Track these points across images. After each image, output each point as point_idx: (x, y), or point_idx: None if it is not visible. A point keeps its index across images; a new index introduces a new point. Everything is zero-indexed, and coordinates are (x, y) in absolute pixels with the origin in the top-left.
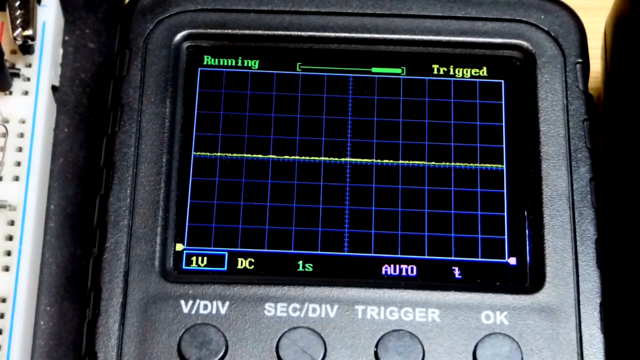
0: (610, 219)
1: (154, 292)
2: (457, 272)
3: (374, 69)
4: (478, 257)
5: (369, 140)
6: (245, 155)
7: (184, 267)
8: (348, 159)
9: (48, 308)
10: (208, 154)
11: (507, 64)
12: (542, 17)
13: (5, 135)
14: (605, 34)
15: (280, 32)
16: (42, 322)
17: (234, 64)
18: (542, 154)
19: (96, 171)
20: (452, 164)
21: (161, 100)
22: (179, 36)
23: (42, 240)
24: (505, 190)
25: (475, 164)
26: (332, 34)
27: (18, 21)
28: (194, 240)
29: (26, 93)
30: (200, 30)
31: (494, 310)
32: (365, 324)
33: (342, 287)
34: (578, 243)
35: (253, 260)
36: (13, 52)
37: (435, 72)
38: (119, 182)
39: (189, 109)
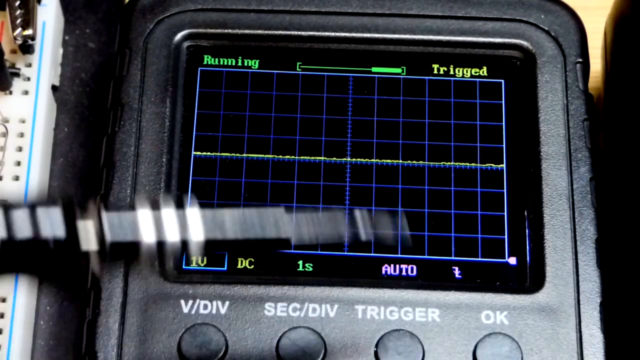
0: (610, 219)
1: (154, 292)
2: (457, 272)
3: (374, 69)
4: (478, 257)
5: (369, 140)
6: (245, 155)
7: (184, 266)
8: (348, 159)
9: (48, 308)
10: (208, 153)
11: (507, 63)
12: (542, 16)
13: (5, 135)
14: (605, 33)
15: (280, 32)
16: (42, 322)
17: (234, 64)
18: (542, 153)
19: (96, 171)
20: (452, 163)
21: (161, 100)
22: (179, 36)
23: None
24: (505, 190)
25: (475, 164)
26: (332, 34)
27: (18, 21)
28: None
29: (26, 93)
30: (200, 30)
31: (494, 310)
32: (365, 323)
33: (342, 287)
34: (578, 243)
35: (253, 260)
36: (13, 51)
37: (435, 71)
38: (119, 181)
39: (189, 109)
